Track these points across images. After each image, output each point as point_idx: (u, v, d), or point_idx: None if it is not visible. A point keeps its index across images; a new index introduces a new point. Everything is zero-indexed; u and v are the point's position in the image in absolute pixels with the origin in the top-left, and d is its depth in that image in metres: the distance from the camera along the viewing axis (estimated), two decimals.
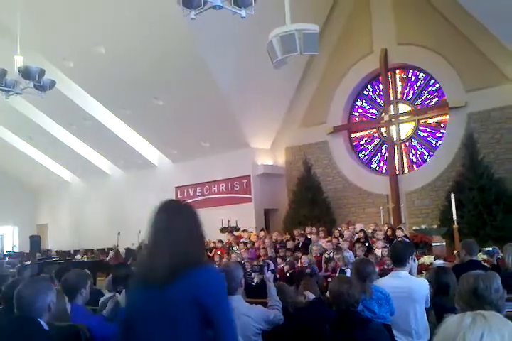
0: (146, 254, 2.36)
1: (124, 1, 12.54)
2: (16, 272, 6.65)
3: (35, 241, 23.45)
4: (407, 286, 3.92)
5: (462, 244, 5.49)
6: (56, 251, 20.92)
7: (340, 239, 11.38)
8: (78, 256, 18.49)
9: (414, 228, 12.40)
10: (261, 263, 9.27)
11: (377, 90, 16.26)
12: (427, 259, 9.33)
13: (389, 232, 11.34)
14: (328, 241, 11.19)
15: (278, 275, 8.69)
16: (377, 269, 6.18)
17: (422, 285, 3.99)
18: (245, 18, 5.50)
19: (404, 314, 3.87)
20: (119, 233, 17.20)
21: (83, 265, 13.46)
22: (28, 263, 13.20)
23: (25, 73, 8.83)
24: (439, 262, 8.78)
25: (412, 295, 3.90)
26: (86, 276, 4.11)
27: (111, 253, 17.54)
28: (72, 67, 15.75)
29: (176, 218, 2.35)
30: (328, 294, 7.26)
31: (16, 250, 23.84)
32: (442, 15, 13.89)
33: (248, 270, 8.40)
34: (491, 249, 5.79)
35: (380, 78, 15.77)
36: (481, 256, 6.86)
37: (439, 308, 3.92)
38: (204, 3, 5.24)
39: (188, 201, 19.50)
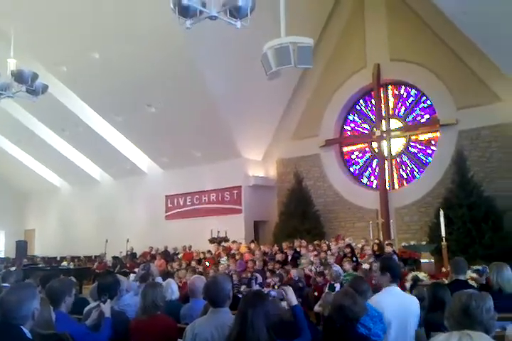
0: None
1: (119, 7, 12.56)
2: (0, 278, 6.54)
3: (22, 247, 23.19)
4: (406, 303, 3.85)
5: (450, 262, 5.46)
6: (42, 258, 20.70)
7: (329, 253, 11.35)
8: (64, 263, 18.29)
9: (403, 244, 12.39)
10: (249, 276, 9.24)
11: (370, 105, 16.37)
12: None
13: (375, 248, 11.34)
14: (315, 256, 11.15)
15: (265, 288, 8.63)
16: None
17: (416, 303, 3.93)
18: (240, 29, 5.50)
19: (403, 331, 3.80)
20: (106, 240, 17.05)
21: (69, 272, 13.29)
22: (13, 268, 13.03)
23: (18, 76, 8.75)
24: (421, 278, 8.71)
25: (411, 312, 3.84)
26: (71, 284, 4.07)
27: (98, 260, 17.38)
28: (66, 71, 15.72)
29: None
30: (316, 308, 7.23)
31: (2, 255, 23.52)
32: (435, 33, 14.07)
33: (236, 282, 8.36)
34: (480, 267, 5.76)
35: (373, 93, 15.90)
36: (469, 275, 6.85)
37: (432, 325, 3.85)
38: (200, 13, 5.25)
39: (178, 210, 19.51)
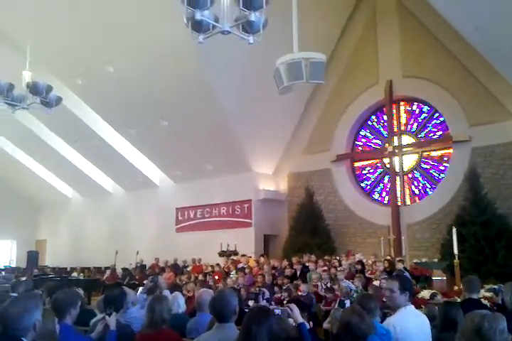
0: None
1: (134, 22, 12.71)
2: (10, 287, 6.55)
3: (33, 257, 23.24)
4: (424, 322, 3.77)
5: (463, 280, 5.36)
6: (53, 268, 20.73)
7: (339, 269, 11.23)
8: (74, 274, 18.30)
9: (414, 261, 12.24)
10: (257, 290, 9.16)
11: (382, 121, 16.32)
12: (427, 294, 9.14)
13: (386, 264, 11.21)
14: (324, 271, 11.03)
15: (274, 303, 8.54)
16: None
17: (427, 321, 3.83)
18: (253, 45, 5.52)
19: None
20: (116, 252, 17.06)
21: (78, 283, 13.30)
22: (24, 278, 13.07)
23: (33, 88, 8.86)
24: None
25: (428, 331, 3.75)
26: (76, 296, 4.03)
27: (107, 272, 17.37)
28: (80, 84, 15.91)
29: None
30: (324, 325, 7.13)
31: (13, 265, 23.60)
32: (448, 50, 14.05)
33: (243, 296, 8.28)
34: (496, 286, 5.63)
35: (385, 109, 15.85)
36: (482, 294, 6.70)
37: None
38: (212, 28, 5.28)
39: (188, 223, 19.44)
